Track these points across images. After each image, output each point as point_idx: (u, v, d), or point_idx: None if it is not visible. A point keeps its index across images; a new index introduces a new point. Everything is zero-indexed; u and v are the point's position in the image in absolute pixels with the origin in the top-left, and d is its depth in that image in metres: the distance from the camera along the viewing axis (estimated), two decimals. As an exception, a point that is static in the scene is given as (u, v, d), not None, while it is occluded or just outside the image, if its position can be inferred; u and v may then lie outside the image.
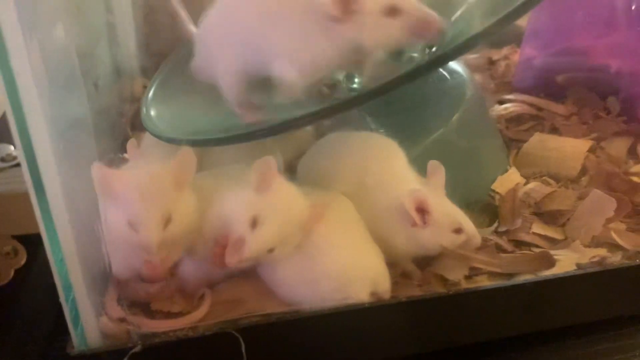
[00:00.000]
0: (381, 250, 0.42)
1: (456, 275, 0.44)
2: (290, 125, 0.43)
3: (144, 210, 0.38)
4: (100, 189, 0.38)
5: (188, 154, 0.40)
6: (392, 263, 0.43)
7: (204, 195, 0.41)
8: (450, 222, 0.43)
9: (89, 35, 0.47)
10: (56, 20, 0.37)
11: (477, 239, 0.44)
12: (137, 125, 0.61)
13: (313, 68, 0.43)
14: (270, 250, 0.39)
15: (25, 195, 0.78)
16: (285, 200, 0.40)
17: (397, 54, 0.53)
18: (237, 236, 0.38)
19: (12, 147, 0.79)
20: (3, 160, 0.78)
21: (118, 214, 0.38)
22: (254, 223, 0.39)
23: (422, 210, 0.43)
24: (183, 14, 0.54)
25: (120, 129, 0.60)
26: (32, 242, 0.72)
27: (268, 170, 0.40)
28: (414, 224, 0.43)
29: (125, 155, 0.51)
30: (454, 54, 0.43)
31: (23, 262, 0.73)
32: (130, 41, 0.71)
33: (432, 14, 0.41)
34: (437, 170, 0.44)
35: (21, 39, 0.29)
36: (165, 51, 0.64)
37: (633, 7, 0.63)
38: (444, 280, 0.44)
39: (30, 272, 0.71)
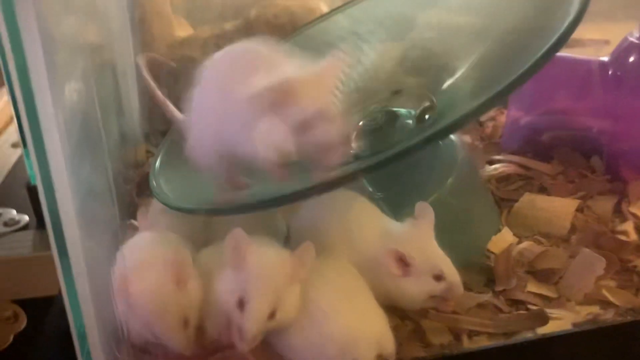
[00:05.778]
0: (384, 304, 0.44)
1: (440, 339, 0.45)
2: (298, 196, 0.45)
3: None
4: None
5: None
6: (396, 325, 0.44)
7: (209, 273, 0.43)
8: (430, 267, 0.44)
9: (103, 102, 0.50)
10: (78, 86, 0.39)
11: (459, 288, 0.45)
12: (142, 190, 0.62)
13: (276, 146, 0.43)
14: (272, 316, 0.40)
15: (26, 260, 0.78)
16: (265, 267, 0.41)
17: (390, 121, 0.56)
18: (236, 326, 0.39)
19: (14, 212, 0.80)
20: (6, 224, 0.78)
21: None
22: (241, 304, 0.40)
23: (401, 261, 0.44)
24: (166, 101, 0.56)
25: (126, 195, 0.61)
26: (33, 307, 0.72)
27: (239, 245, 0.41)
28: (397, 274, 0.44)
29: (134, 221, 0.53)
30: (453, 128, 0.46)
31: (23, 326, 0.73)
32: (134, 110, 0.74)
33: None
34: (425, 212, 0.46)
35: (51, 107, 0.31)
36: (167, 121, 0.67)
37: (610, 72, 0.67)
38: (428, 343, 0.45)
39: (30, 336, 0.70)
